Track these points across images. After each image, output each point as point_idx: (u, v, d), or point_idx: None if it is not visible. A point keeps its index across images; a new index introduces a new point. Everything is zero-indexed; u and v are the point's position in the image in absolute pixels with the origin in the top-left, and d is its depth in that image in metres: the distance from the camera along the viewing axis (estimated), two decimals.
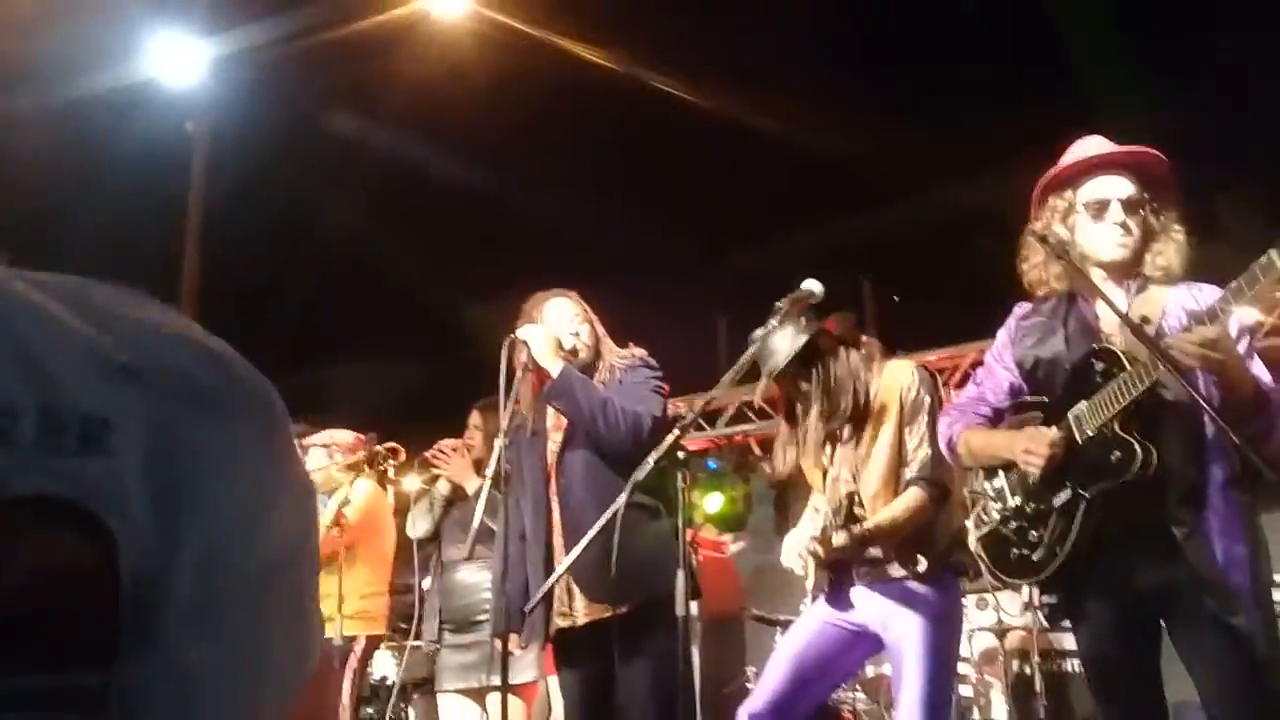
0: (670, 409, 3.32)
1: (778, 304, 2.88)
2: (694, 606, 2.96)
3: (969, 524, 2.71)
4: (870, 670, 4.98)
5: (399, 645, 5.58)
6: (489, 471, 3.13)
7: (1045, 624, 4.68)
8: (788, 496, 7.92)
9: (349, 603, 4.33)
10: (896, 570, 2.92)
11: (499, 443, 3.08)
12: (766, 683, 3.03)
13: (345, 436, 4.64)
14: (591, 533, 2.67)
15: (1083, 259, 2.48)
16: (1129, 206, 2.45)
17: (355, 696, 4.43)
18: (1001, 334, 2.69)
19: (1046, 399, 2.51)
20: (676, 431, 2.69)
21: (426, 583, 4.35)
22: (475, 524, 3.29)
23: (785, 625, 5.45)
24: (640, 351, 3.30)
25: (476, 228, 8.45)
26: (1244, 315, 2.31)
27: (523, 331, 3.15)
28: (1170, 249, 2.45)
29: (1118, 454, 2.29)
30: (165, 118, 7.13)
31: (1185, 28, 6.25)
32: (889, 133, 6.74)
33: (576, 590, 3.06)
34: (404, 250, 8.13)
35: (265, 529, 0.44)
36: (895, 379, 3.01)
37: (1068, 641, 4.64)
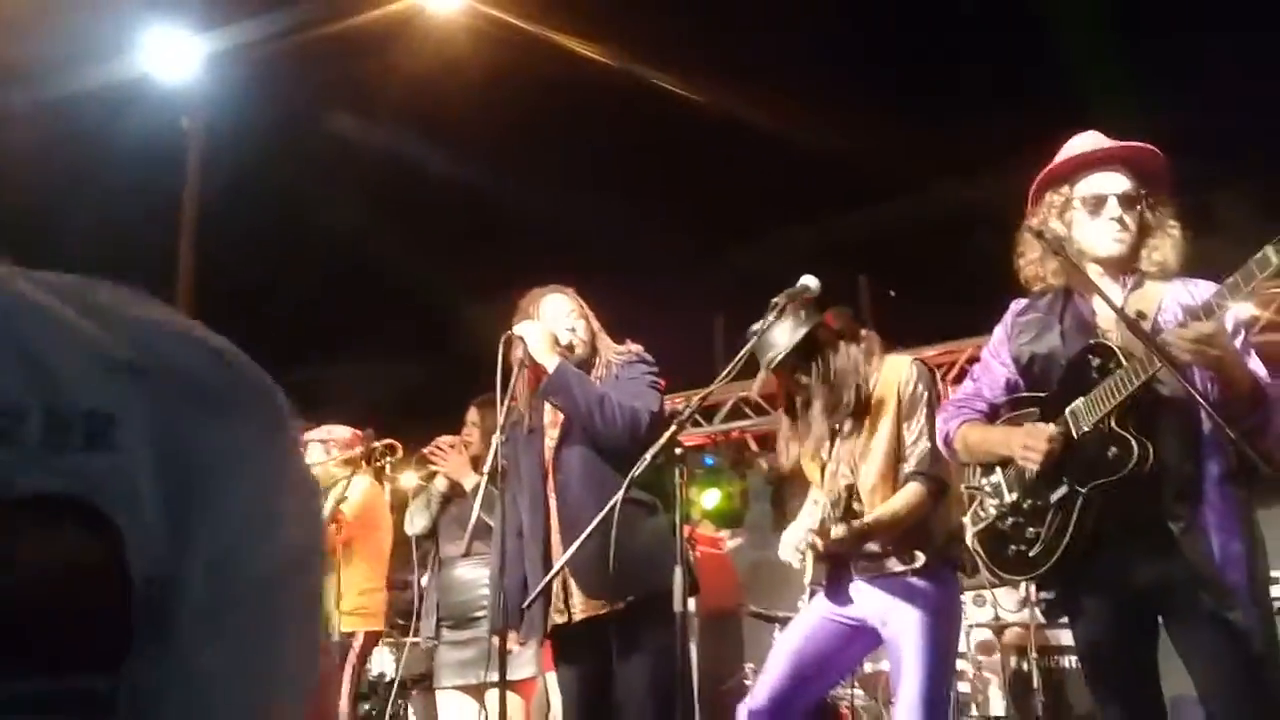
0: (667, 405, 3.32)
1: (775, 300, 2.89)
2: (692, 603, 2.96)
3: (966, 520, 2.71)
4: (868, 667, 4.98)
5: (397, 642, 5.58)
6: (486, 468, 3.13)
7: (1042, 620, 4.69)
8: (785, 492, 7.92)
9: (346, 599, 4.33)
10: (895, 565, 2.92)
11: (496, 439, 3.08)
12: (766, 679, 3.04)
13: (342, 432, 4.64)
14: (589, 529, 2.68)
15: (1079, 254, 2.48)
16: (1125, 202, 2.45)
17: (353, 693, 4.43)
18: (998, 330, 2.69)
19: (1043, 395, 2.51)
20: (673, 427, 2.69)
21: (425, 579, 4.35)
22: (472, 520, 3.29)
23: (783, 621, 5.46)
24: (636, 347, 3.30)
25: (473, 224, 8.44)
26: (1240, 310, 2.32)
27: (519, 328, 3.15)
28: (1166, 244, 2.45)
29: (1114, 450, 2.29)
30: (160, 114, 7.11)
31: (1181, 26, 6.25)
32: (885, 129, 6.74)
33: (574, 586, 3.06)
34: (400, 246, 8.12)
35: (276, 528, 0.43)
36: (893, 373, 3.02)
37: (1065, 637, 4.65)
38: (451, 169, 7.66)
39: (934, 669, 2.86)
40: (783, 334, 2.94)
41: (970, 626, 5.15)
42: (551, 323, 3.22)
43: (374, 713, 5.50)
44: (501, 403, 3.05)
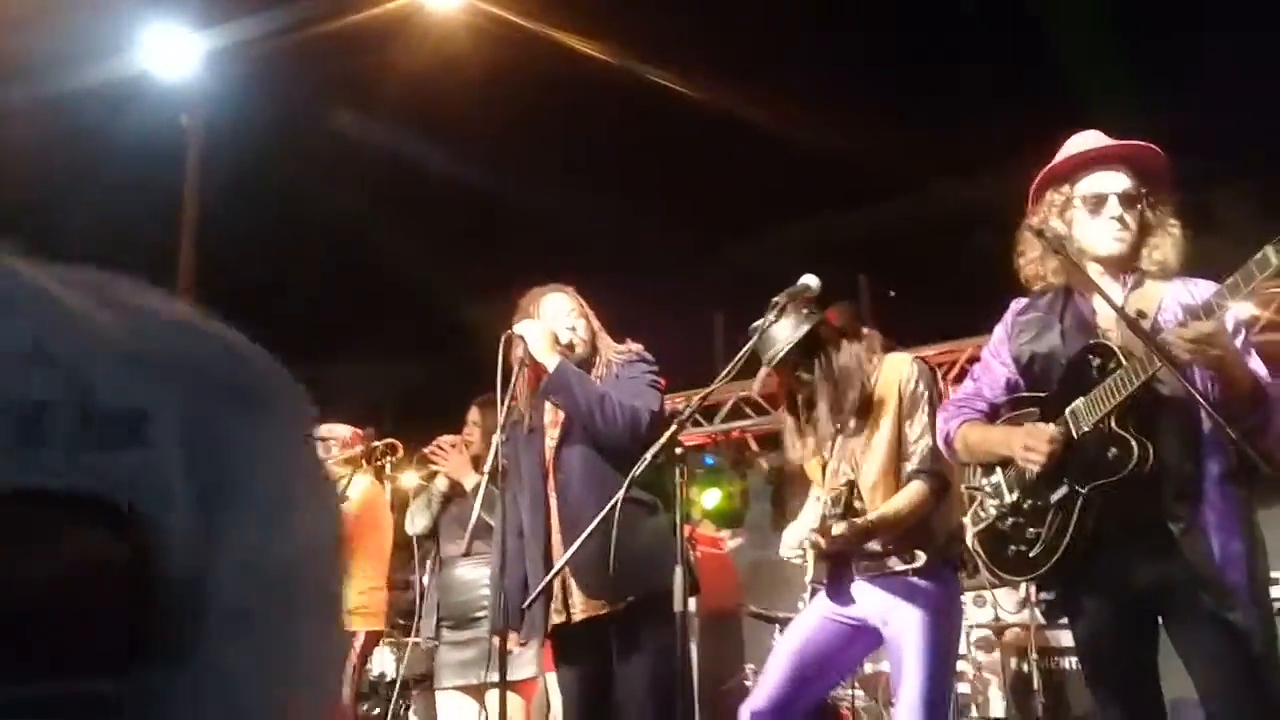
0: (667, 404, 3.32)
1: (775, 299, 2.89)
2: (692, 603, 2.96)
3: (966, 520, 2.71)
4: (868, 667, 4.98)
5: (398, 642, 5.58)
6: (487, 467, 3.12)
7: (1042, 621, 4.69)
8: (785, 492, 7.92)
9: (347, 598, 4.33)
10: (896, 564, 2.92)
11: (497, 438, 3.07)
12: (767, 680, 3.03)
13: (343, 431, 4.63)
14: (589, 529, 2.67)
15: (1080, 253, 2.48)
16: (1126, 201, 2.45)
17: (354, 692, 4.43)
18: (998, 329, 2.69)
19: (1043, 394, 2.51)
20: (674, 427, 2.69)
21: (425, 579, 4.35)
22: (473, 520, 3.29)
23: (783, 622, 5.45)
24: (637, 346, 3.30)
25: (473, 222, 8.44)
26: (1240, 310, 2.32)
27: (519, 327, 3.15)
28: (1166, 243, 2.45)
29: (1114, 450, 2.29)
30: (160, 111, 7.10)
31: (1180, 25, 6.25)
32: (886, 128, 6.73)
33: (574, 586, 3.05)
34: (401, 244, 8.12)
35: (302, 526, 0.43)
36: (894, 372, 3.02)
37: (1065, 638, 4.65)
38: (451, 167, 7.66)
39: (935, 669, 2.86)
40: (784, 331, 2.94)
41: (970, 627, 5.15)
42: (552, 322, 3.21)
43: (377, 713, 5.50)
44: (502, 402, 3.05)
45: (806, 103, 6.75)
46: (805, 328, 2.94)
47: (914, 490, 2.90)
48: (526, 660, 3.88)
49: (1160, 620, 2.36)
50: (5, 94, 5.84)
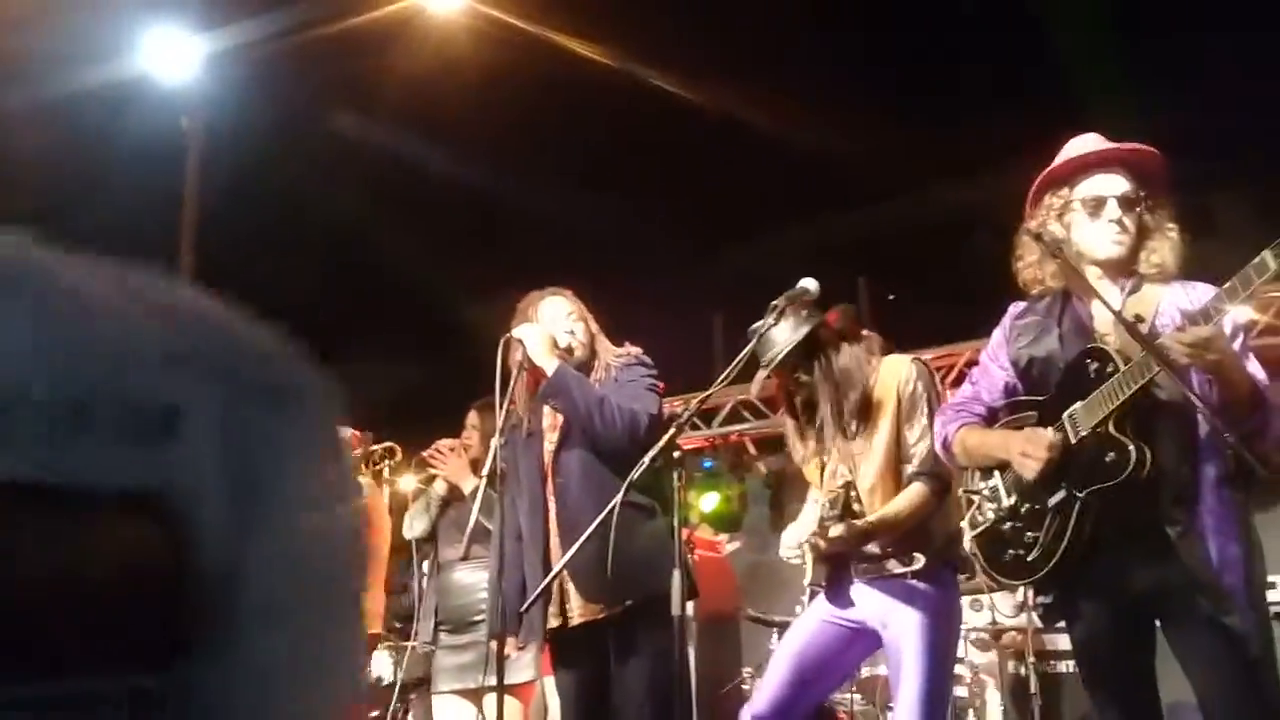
0: (666, 408, 3.32)
1: (774, 302, 2.89)
2: (690, 606, 2.96)
3: (964, 524, 2.71)
4: (865, 671, 4.98)
5: (396, 645, 5.57)
6: (485, 471, 3.13)
7: (1040, 624, 4.69)
8: (783, 496, 7.92)
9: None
10: (895, 567, 2.92)
11: (495, 442, 3.07)
12: (768, 684, 3.03)
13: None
14: (587, 532, 2.68)
15: (1078, 256, 2.48)
16: (1125, 204, 2.45)
17: None
18: (996, 333, 2.69)
19: (1041, 398, 2.51)
20: (672, 430, 2.70)
21: (423, 583, 4.35)
22: (471, 524, 3.29)
23: (780, 626, 5.45)
24: (636, 350, 3.30)
25: (473, 225, 8.44)
26: (1238, 314, 2.32)
27: (518, 330, 3.15)
28: (1165, 247, 2.45)
29: (1112, 455, 2.29)
30: (160, 114, 7.10)
31: (1179, 26, 6.25)
32: (885, 131, 6.74)
33: (572, 590, 3.06)
34: (400, 247, 8.12)
35: (332, 523, 0.44)
36: (892, 373, 3.02)
37: (1062, 642, 4.65)
38: (451, 169, 7.66)
39: (934, 672, 2.86)
40: (783, 334, 2.94)
41: (967, 631, 5.15)
42: (550, 325, 3.22)
43: (373, 715, 5.49)
44: (501, 406, 3.05)
45: (805, 105, 6.75)
46: (804, 329, 2.95)
47: (915, 492, 2.91)
48: (524, 664, 3.87)
49: (1158, 624, 2.36)
50: (5, 96, 5.84)
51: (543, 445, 3.21)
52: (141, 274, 0.43)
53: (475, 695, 3.98)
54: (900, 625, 2.89)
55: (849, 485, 2.93)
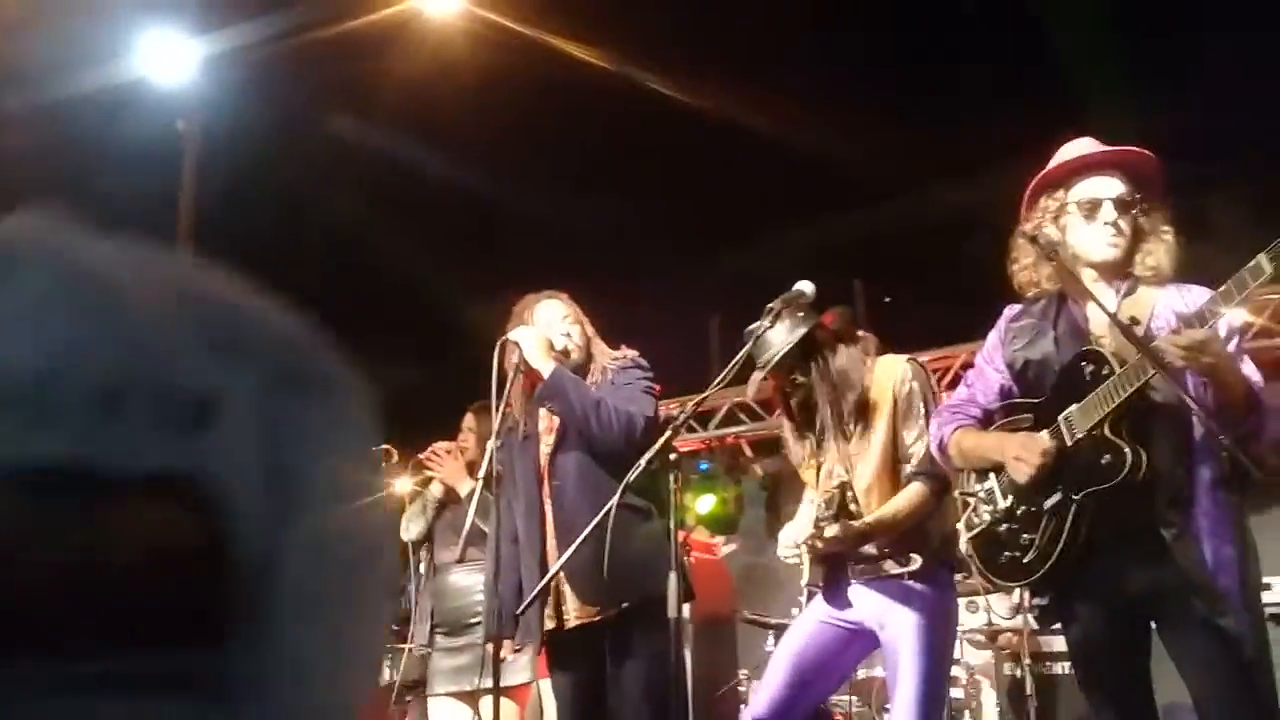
0: (662, 411, 3.32)
1: (770, 305, 2.90)
2: (686, 608, 2.97)
3: (960, 526, 2.72)
4: (862, 672, 4.98)
5: (392, 647, 5.57)
6: (481, 473, 3.13)
7: (1036, 626, 4.69)
8: (779, 497, 7.92)
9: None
10: (892, 567, 2.92)
11: (491, 445, 3.08)
12: (767, 686, 3.04)
13: None
14: (584, 534, 2.68)
15: (1074, 259, 2.48)
16: (1120, 206, 2.45)
17: None
18: (992, 335, 2.70)
19: (1037, 400, 2.52)
20: (668, 432, 2.70)
21: (419, 585, 4.34)
22: (467, 526, 3.29)
23: (776, 628, 5.45)
24: (632, 352, 3.31)
25: (469, 228, 8.43)
26: (1233, 316, 2.32)
27: (514, 333, 3.15)
28: (1160, 249, 2.46)
29: (1108, 457, 2.29)
30: (156, 117, 7.09)
31: (1175, 27, 6.26)
32: (880, 133, 6.74)
33: (569, 592, 3.06)
34: (397, 249, 8.11)
35: (362, 514, 0.44)
36: (887, 373, 3.02)
37: (1058, 644, 4.65)
38: (448, 172, 7.65)
39: (930, 673, 2.86)
40: (780, 336, 2.95)
41: (963, 632, 5.15)
42: (546, 328, 3.22)
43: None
44: (497, 408, 3.05)
45: (801, 108, 6.75)
46: (801, 331, 2.95)
47: (913, 492, 2.91)
48: (521, 666, 3.87)
49: (1153, 625, 2.37)
50: (1, 100, 5.83)
51: (539, 448, 3.21)
52: (172, 258, 0.43)
53: (471, 698, 3.97)
54: (897, 626, 2.89)
55: (844, 485, 2.93)
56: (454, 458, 4.16)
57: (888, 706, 2.96)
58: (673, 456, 2.69)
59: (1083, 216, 2.47)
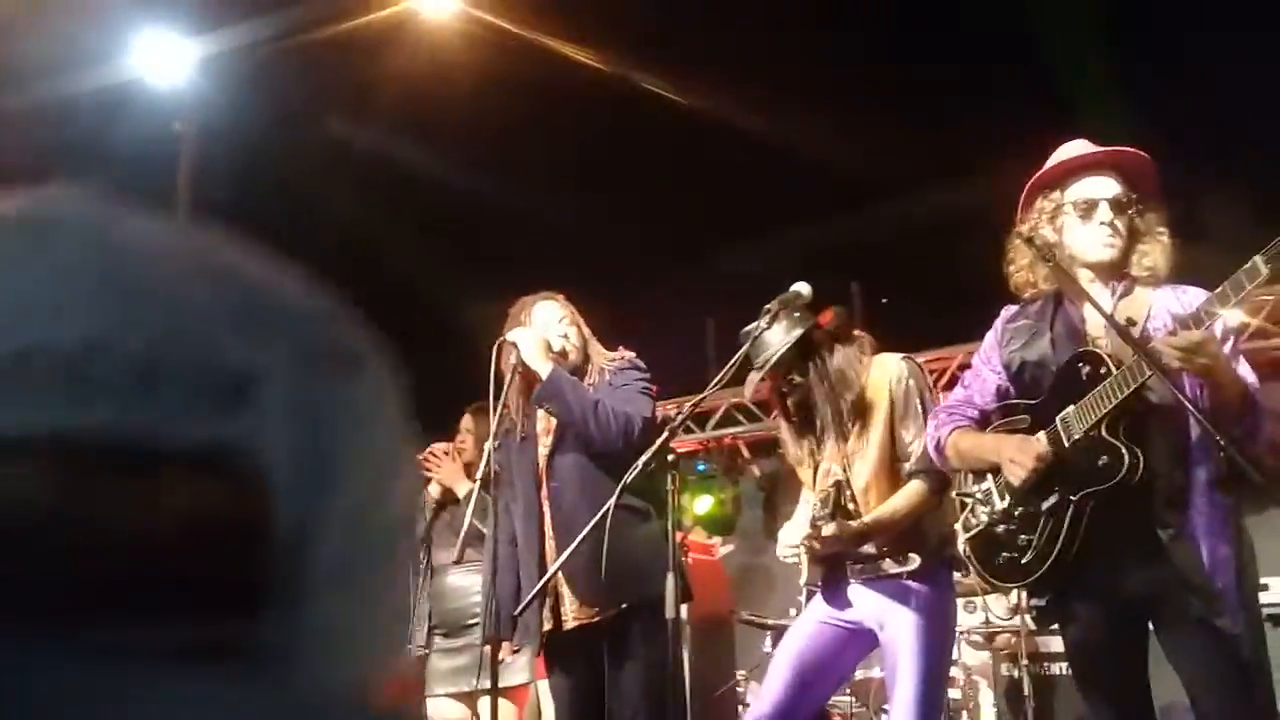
0: (659, 412, 3.33)
1: (767, 306, 2.90)
2: (684, 609, 2.97)
3: (958, 527, 2.72)
4: (860, 673, 4.98)
5: None
6: (479, 475, 3.13)
7: (1033, 626, 4.69)
8: (777, 498, 7.92)
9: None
10: (890, 567, 2.93)
11: (489, 446, 3.08)
12: (769, 688, 3.04)
13: None
14: (581, 535, 2.68)
15: (1070, 260, 2.49)
16: (1116, 206, 2.46)
17: None
18: (989, 336, 2.70)
19: (1034, 401, 2.52)
20: (666, 433, 2.70)
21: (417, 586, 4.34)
22: (465, 528, 3.29)
23: (774, 629, 5.45)
24: (629, 354, 3.31)
25: (467, 229, 8.43)
26: (1229, 317, 2.33)
27: (512, 334, 3.16)
28: (1156, 250, 2.46)
29: (1105, 458, 2.30)
30: (152, 118, 7.09)
31: (1170, 27, 6.27)
32: (878, 133, 6.74)
33: (567, 593, 3.06)
34: (394, 251, 8.10)
35: (395, 488, 0.44)
36: (883, 372, 3.02)
37: (1055, 644, 4.65)
38: (445, 174, 7.65)
39: (930, 672, 2.87)
40: (777, 336, 2.95)
41: (961, 632, 5.15)
42: (543, 329, 3.22)
43: None
44: (494, 409, 3.05)
45: (798, 109, 6.75)
46: (798, 332, 2.95)
47: (913, 490, 2.91)
48: (519, 667, 3.87)
49: (1151, 626, 2.37)
50: None
51: (537, 449, 3.22)
52: (201, 233, 0.44)
53: (470, 699, 3.97)
54: (896, 626, 2.89)
55: (839, 484, 2.94)
56: (452, 459, 4.16)
57: (885, 707, 2.96)
58: (670, 457, 2.69)
59: (1079, 217, 2.48)
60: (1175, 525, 2.27)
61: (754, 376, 3.03)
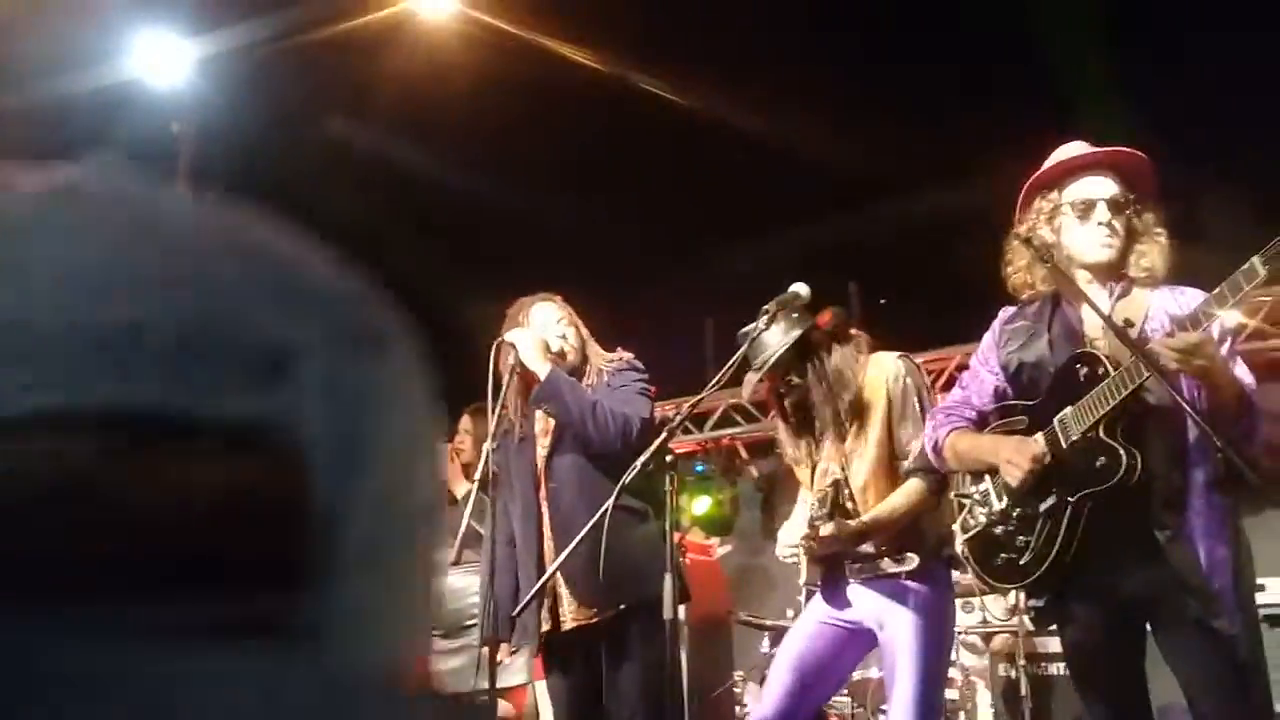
0: (658, 412, 3.33)
1: (766, 306, 2.90)
2: (682, 610, 2.97)
3: (956, 528, 2.72)
4: (857, 674, 4.98)
5: None
6: (477, 475, 3.13)
7: (1031, 627, 4.70)
8: (775, 499, 7.92)
9: None
10: (889, 566, 2.93)
11: (487, 446, 3.08)
12: (770, 690, 3.04)
13: None
14: (580, 536, 2.68)
15: (1068, 260, 2.49)
16: (1114, 206, 2.46)
17: None
18: (986, 337, 2.71)
19: (1032, 403, 2.52)
20: (664, 434, 2.70)
21: None
22: (462, 528, 3.29)
23: (772, 629, 5.45)
24: (627, 355, 3.31)
25: (466, 230, 8.43)
26: (1226, 318, 2.33)
27: (510, 335, 3.16)
28: (1154, 250, 2.46)
29: (1103, 460, 2.30)
30: (150, 118, 7.08)
31: (1167, 27, 6.27)
32: (876, 133, 6.74)
33: (565, 594, 3.06)
34: (392, 251, 8.10)
35: (425, 469, 0.44)
36: (881, 371, 3.02)
37: (1053, 645, 4.66)
38: (443, 174, 7.65)
39: (928, 673, 2.87)
40: (775, 337, 2.95)
41: (958, 633, 5.15)
42: (542, 330, 3.22)
43: None
44: (492, 410, 3.06)
45: (796, 109, 6.75)
46: (796, 332, 2.95)
47: (912, 488, 2.91)
48: (517, 668, 3.88)
49: (1148, 627, 2.38)
50: None
51: (535, 450, 3.22)
52: (231, 209, 0.44)
53: (468, 699, 3.97)
54: (895, 626, 2.89)
55: (837, 484, 2.94)
56: (450, 460, 4.17)
57: (884, 708, 2.96)
58: (669, 458, 2.69)
59: (1076, 217, 2.48)
60: (1173, 526, 2.27)
61: (752, 377, 3.04)
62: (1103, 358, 2.35)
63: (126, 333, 0.36)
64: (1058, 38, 6.23)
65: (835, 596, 3.00)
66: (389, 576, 0.42)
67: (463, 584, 4.05)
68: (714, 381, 2.88)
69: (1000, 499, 2.54)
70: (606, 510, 2.57)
